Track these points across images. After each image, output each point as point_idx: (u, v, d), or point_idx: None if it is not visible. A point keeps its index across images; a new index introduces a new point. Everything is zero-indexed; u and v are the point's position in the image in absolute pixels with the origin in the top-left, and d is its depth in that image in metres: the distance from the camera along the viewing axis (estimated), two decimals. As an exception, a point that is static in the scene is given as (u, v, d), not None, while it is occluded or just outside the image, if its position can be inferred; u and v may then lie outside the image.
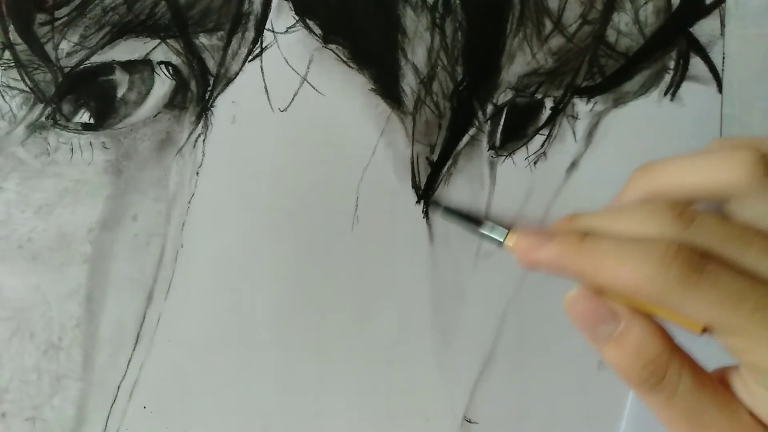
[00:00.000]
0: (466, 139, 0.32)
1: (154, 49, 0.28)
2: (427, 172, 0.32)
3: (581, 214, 0.25)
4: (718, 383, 0.24)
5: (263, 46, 0.29)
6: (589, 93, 0.33)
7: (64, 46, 0.28)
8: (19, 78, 0.28)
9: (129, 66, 0.28)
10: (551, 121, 0.33)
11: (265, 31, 0.29)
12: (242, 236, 0.31)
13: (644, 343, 0.24)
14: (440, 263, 0.33)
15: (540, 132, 0.33)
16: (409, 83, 0.31)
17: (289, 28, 0.29)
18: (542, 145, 0.33)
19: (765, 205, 0.24)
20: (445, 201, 0.32)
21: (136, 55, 0.28)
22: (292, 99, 0.30)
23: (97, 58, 0.28)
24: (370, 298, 0.33)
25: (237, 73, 0.29)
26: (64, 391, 0.30)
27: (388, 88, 0.31)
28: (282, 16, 0.29)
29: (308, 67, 0.30)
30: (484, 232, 0.27)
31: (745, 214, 0.24)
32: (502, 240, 0.26)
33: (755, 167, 0.24)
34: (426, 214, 0.32)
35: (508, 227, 0.26)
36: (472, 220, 0.27)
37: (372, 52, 0.30)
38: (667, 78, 0.34)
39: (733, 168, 0.24)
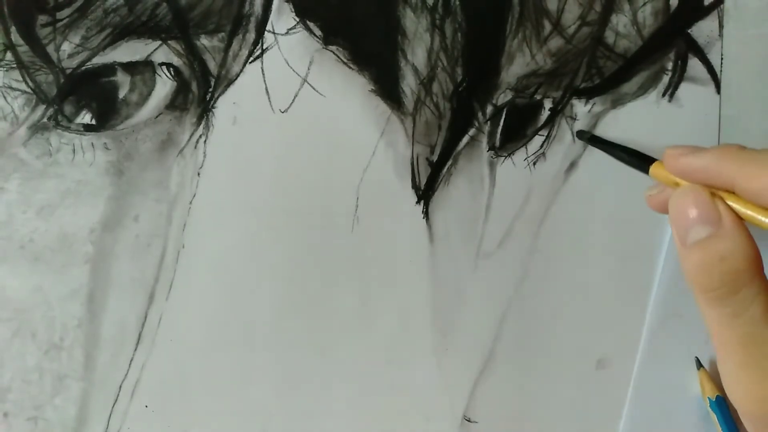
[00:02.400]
0: (465, 139, 0.32)
1: (155, 50, 0.28)
2: (427, 172, 0.32)
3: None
4: None
5: (264, 48, 0.29)
6: (587, 94, 0.33)
7: (66, 47, 0.28)
8: (21, 79, 0.28)
9: (130, 67, 0.28)
10: (550, 121, 0.33)
11: (265, 32, 0.29)
12: (243, 237, 0.31)
13: (734, 252, 0.24)
14: (440, 263, 0.33)
15: (539, 133, 0.33)
16: (409, 84, 0.31)
17: (290, 29, 0.30)
18: (541, 146, 0.33)
19: None
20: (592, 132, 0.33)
21: (137, 57, 0.28)
22: (293, 100, 0.30)
23: (98, 60, 0.28)
24: (370, 298, 0.33)
25: (238, 75, 0.29)
26: (65, 390, 0.30)
27: (388, 89, 0.31)
28: (282, 18, 0.29)
29: (309, 69, 0.30)
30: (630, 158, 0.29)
31: None
32: (647, 166, 0.28)
33: None
34: (426, 214, 0.33)
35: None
36: (619, 148, 0.30)
37: (372, 53, 0.30)
38: (666, 79, 0.34)
39: None
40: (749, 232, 0.24)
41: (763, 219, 0.24)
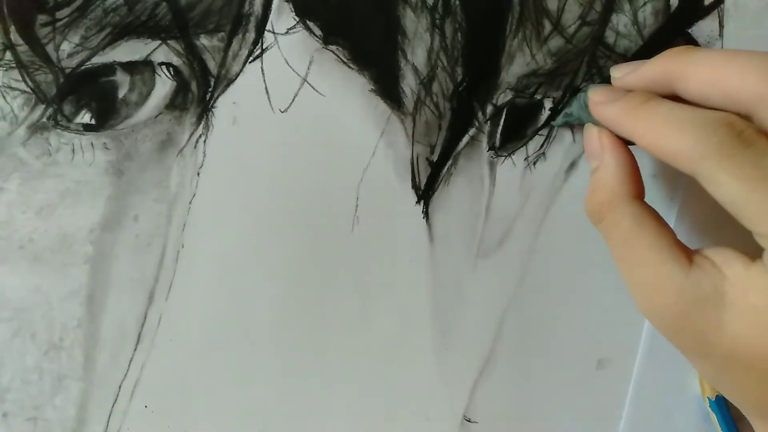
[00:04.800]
0: (466, 139, 0.32)
1: (155, 50, 0.28)
2: (427, 172, 0.32)
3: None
4: (665, 244, 0.26)
5: (264, 47, 0.29)
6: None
7: (65, 47, 0.28)
8: (20, 79, 0.28)
9: (130, 67, 0.28)
10: (550, 121, 0.33)
11: (265, 32, 0.29)
12: (243, 237, 0.31)
13: (602, 183, 0.28)
14: (440, 263, 0.33)
15: (539, 132, 0.33)
16: (409, 84, 0.31)
17: (290, 29, 0.30)
18: (541, 146, 0.33)
19: (718, 190, 0.24)
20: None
21: (137, 56, 0.28)
22: (293, 100, 0.30)
23: (98, 59, 0.28)
24: (370, 298, 0.33)
25: (238, 74, 0.29)
26: (65, 391, 0.30)
27: (388, 88, 0.31)
28: (282, 18, 0.29)
29: (308, 68, 0.30)
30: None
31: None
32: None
33: (709, 139, 0.24)
34: (426, 214, 0.33)
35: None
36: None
37: (372, 53, 0.30)
38: (666, 79, 0.34)
39: (693, 140, 0.24)
40: (628, 160, 0.28)
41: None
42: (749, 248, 0.26)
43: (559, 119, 0.33)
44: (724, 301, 0.24)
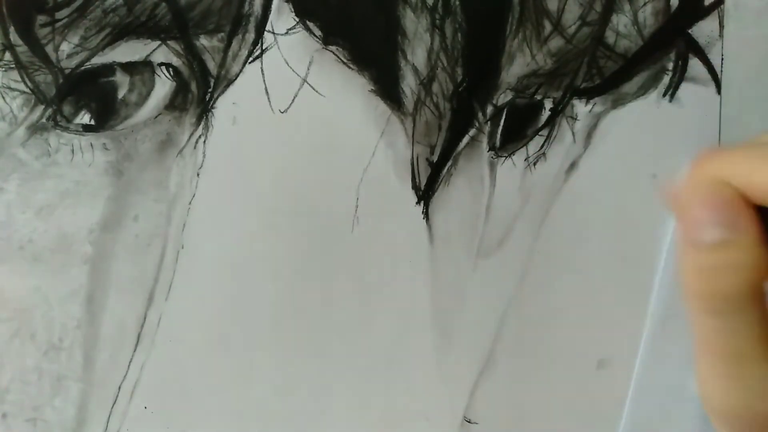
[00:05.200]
0: (466, 140, 0.32)
1: (154, 50, 0.28)
2: (427, 172, 0.32)
3: None
4: None
5: (263, 48, 0.29)
6: (588, 94, 0.33)
7: (65, 47, 0.28)
8: (19, 79, 0.28)
9: (129, 67, 0.28)
10: (550, 122, 0.33)
11: (265, 32, 0.29)
12: (243, 237, 0.31)
13: (748, 267, 0.21)
14: (440, 263, 0.33)
15: (539, 133, 0.33)
16: (409, 84, 0.31)
17: (290, 29, 0.30)
18: (542, 146, 0.33)
19: None
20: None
21: (136, 57, 0.28)
22: (293, 100, 0.30)
23: (97, 60, 0.28)
24: (370, 298, 0.33)
25: (237, 75, 0.29)
26: (65, 391, 0.30)
27: (388, 89, 0.31)
28: (282, 18, 0.29)
29: (308, 69, 0.30)
30: None
31: None
32: None
33: None
34: (426, 214, 0.33)
35: None
36: None
37: (372, 53, 0.30)
38: (666, 79, 0.34)
39: None
40: (764, 240, 0.21)
41: None
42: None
43: None
44: None
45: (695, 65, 0.35)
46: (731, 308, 0.21)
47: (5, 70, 0.27)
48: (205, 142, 0.30)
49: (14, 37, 0.27)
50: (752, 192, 0.21)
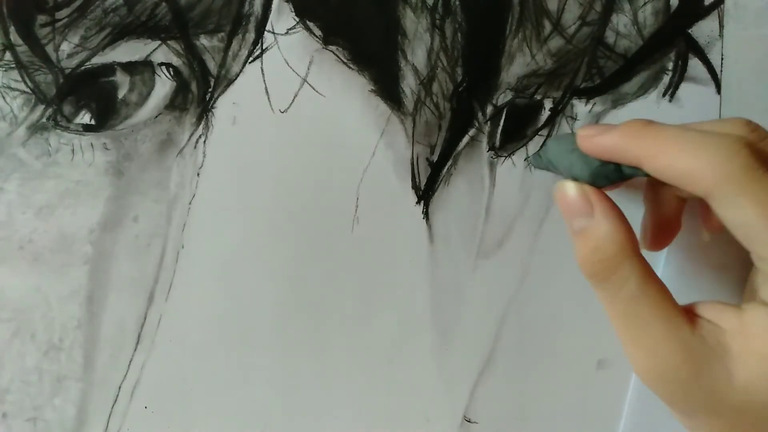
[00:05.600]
0: (465, 139, 0.32)
1: (154, 50, 0.28)
2: (427, 172, 0.32)
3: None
4: (670, 301, 0.25)
5: (264, 48, 0.29)
6: (588, 94, 0.33)
7: (65, 47, 0.28)
8: (20, 79, 0.28)
9: (130, 67, 0.28)
10: (550, 122, 0.33)
11: (265, 32, 0.29)
12: (243, 237, 0.31)
13: (604, 241, 0.26)
14: (440, 263, 0.33)
15: (539, 133, 0.33)
16: (409, 84, 0.31)
17: (290, 29, 0.30)
18: (541, 146, 0.33)
19: (736, 212, 0.24)
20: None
21: (136, 57, 0.28)
22: (293, 100, 0.30)
23: (98, 60, 0.28)
24: (370, 298, 0.33)
25: (237, 75, 0.29)
26: (65, 391, 0.30)
27: (388, 89, 0.31)
28: (282, 18, 0.29)
29: (308, 69, 0.30)
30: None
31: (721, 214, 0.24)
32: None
33: (731, 160, 0.24)
34: (426, 214, 0.33)
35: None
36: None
37: (372, 53, 0.30)
38: (666, 79, 0.34)
39: (711, 160, 0.24)
40: (622, 217, 0.27)
41: None
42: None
43: (536, 159, 0.32)
44: (730, 354, 0.24)
45: (695, 65, 0.35)
46: (607, 275, 0.26)
47: (5, 70, 0.27)
48: (205, 142, 0.30)
49: (14, 37, 0.27)
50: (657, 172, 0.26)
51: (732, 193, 0.23)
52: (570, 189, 0.28)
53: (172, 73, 0.29)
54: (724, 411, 0.24)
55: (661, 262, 0.35)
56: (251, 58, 0.29)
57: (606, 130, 0.27)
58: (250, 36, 0.29)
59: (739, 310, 0.25)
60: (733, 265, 0.33)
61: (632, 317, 0.26)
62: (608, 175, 0.28)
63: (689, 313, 0.26)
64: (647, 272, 0.26)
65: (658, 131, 0.26)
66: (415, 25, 0.30)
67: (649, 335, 0.25)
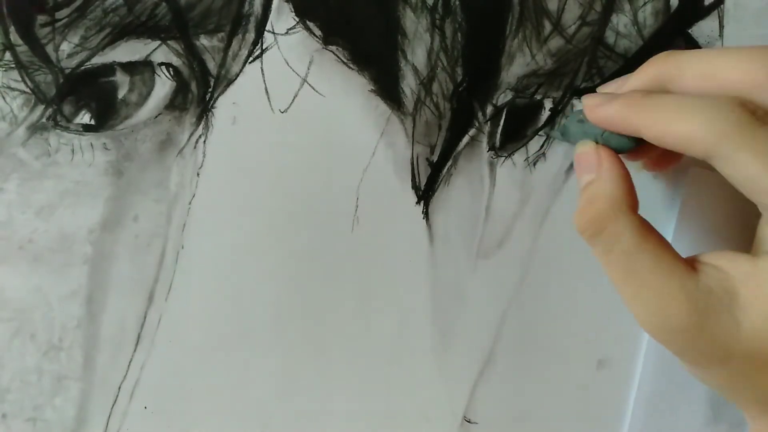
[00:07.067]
0: (466, 139, 0.32)
1: (154, 50, 0.28)
2: (427, 172, 0.32)
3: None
4: (669, 253, 0.26)
5: (263, 48, 0.29)
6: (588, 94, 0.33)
7: (65, 47, 0.28)
8: (19, 79, 0.28)
9: (130, 67, 0.28)
10: (551, 121, 0.33)
11: (265, 32, 0.29)
12: (243, 237, 0.31)
13: (600, 195, 0.27)
14: (440, 263, 0.33)
15: (539, 133, 0.33)
16: (409, 84, 0.31)
17: (290, 29, 0.30)
18: (542, 146, 0.33)
19: (738, 168, 0.24)
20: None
21: (136, 57, 0.28)
22: (293, 100, 0.30)
23: (97, 60, 0.28)
24: (370, 298, 0.33)
25: (237, 75, 0.29)
26: (65, 391, 0.30)
27: (388, 89, 0.31)
28: (282, 18, 0.29)
29: (308, 69, 0.30)
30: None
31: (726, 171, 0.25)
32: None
33: (726, 118, 0.24)
34: (426, 214, 0.33)
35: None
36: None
37: (372, 53, 0.30)
38: (666, 79, 0.34)
39: (707, 121, 0.24)
40: (627, 177, 0.27)
41: None
42: (749, 246, 0.26)
43: (556, 132, 0.33)
44: (738, 302, 0.24)
45: (695, 65, 0.35)
46: (599, 229, 0.26)
47: (5, 70, 0.27)
48: (205, 142, 0.30)
49: (14, 37, 0.27)
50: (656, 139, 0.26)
51: (731, 150, 0.24)
52: (582, 146, 0.29)
53: (172, 73, 0.29)
54: (733, 358, 0.24)
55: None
56: (251, 58, 0.29)
57: (608, 101, 0.28)
58: (250, 36, 0.29)
59: (752, 256, 0.25)
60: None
61: (630, 272, 0.26)
62: (613, 144, 0.29)
63: (694, 263, 0.26)
64: (643, 227, 0.26)
65: (655, 100, 0.26)
66: (415, 25, 0.30)
67: (649, 288, 0.25)
